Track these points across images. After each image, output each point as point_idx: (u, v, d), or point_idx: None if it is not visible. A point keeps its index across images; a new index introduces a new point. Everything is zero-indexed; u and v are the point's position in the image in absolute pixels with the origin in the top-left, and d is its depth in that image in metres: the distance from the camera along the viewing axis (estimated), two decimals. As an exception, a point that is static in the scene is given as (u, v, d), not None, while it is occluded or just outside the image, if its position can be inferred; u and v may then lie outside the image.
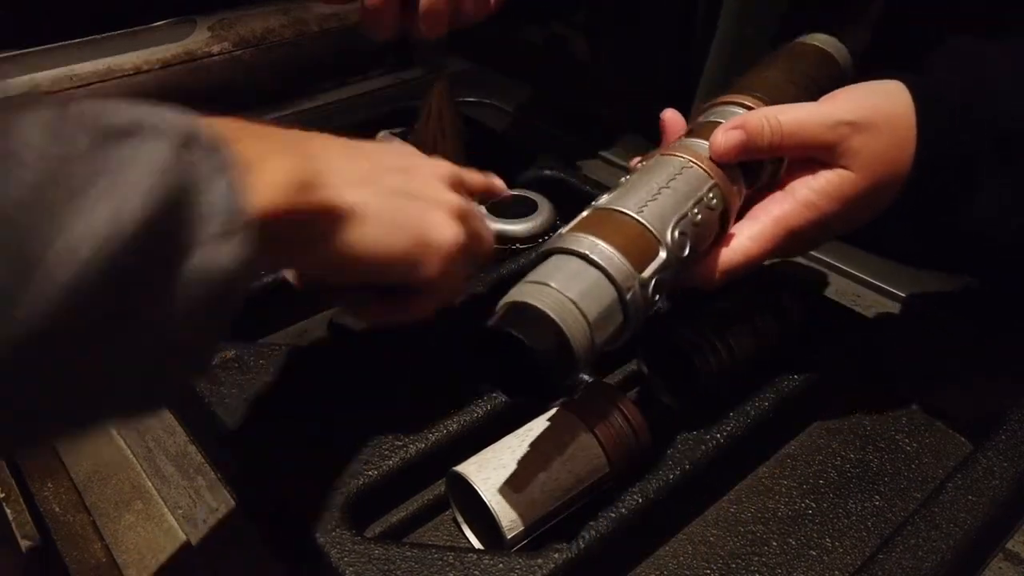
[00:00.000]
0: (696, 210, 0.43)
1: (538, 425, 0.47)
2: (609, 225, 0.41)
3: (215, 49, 0.95)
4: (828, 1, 0.62)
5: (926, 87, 0.47)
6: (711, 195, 0.44)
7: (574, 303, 0.37)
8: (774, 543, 0.48)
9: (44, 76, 0.85)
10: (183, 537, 0.48)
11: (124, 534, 0.48)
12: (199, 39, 0.95)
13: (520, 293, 0.38)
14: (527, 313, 0.36)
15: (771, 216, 0.46)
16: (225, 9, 1.00)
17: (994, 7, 0.50)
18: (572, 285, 0.37)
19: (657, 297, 0.40)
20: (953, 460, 0.53)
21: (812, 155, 0.46)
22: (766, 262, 0.48)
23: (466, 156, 0.75)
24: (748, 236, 0.46)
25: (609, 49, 0.97)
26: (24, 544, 0.45)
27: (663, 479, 0.46)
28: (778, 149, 0.46)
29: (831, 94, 0.48)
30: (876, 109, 0.46)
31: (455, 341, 0.61)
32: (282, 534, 0.47)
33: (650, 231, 0.41)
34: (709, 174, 0.45)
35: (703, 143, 0.46)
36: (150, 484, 0.51)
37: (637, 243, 0.40)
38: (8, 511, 0.47)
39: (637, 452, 0.47)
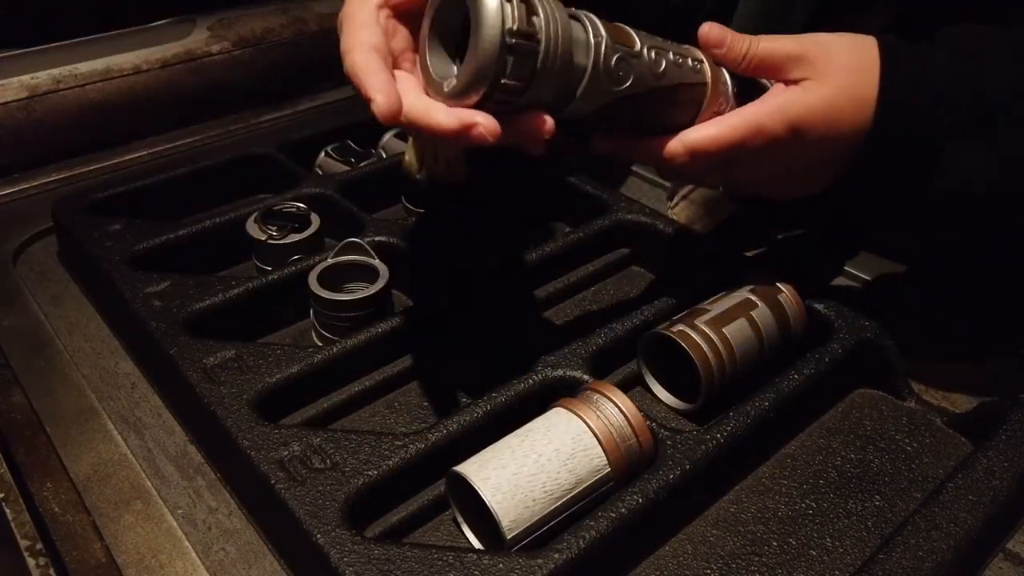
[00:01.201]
0: (678, 58, 0.48)
1: (538, 425, 0.47)
2: (603, 20, 0.46)
3: (215, 49, 0.95)
4: (837, 6, 0.62)
5: (895, 41, 0.50)
6: (696, 64, 0.49)
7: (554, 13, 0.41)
8: (774, 543, 0.48)
9: (44, 76, 0.85)
10: (183, 537, 0.48)
11: (124, 534, 0.48)
12: (199, 39, 0.95)
13: None
14: None
15: (742, 113, 0.49)
16: (225, 9, 1.00)
17: (1000, 12, 0.51)
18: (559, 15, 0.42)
19: (621, 74, 0.44)
20: (953, 460, 0.53)
21: (781, 70, 0.50)
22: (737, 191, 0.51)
23: (466, 157, 0.75)
24: (715, 123, 0.49)
25: None
26: (24, 544, 0.45)
27: (663, 479, 0.46)
28: (752, 59, 0.50)
29: None
30: (842, 37, 0.50)
31: (454, 341, 0.61)
32: (282, 534, 0.47)
33: (631, 33, 0.46)
34: (703, 58, 0.49)
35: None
36: (150, 484, 0.51)
37: (618, 31, 0.45)
38: (8, 511, 0.47)
39: (637, 452, 0.47)
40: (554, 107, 0.43)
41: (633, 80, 0.45)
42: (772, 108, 0.48)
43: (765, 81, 0.51)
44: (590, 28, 0.43)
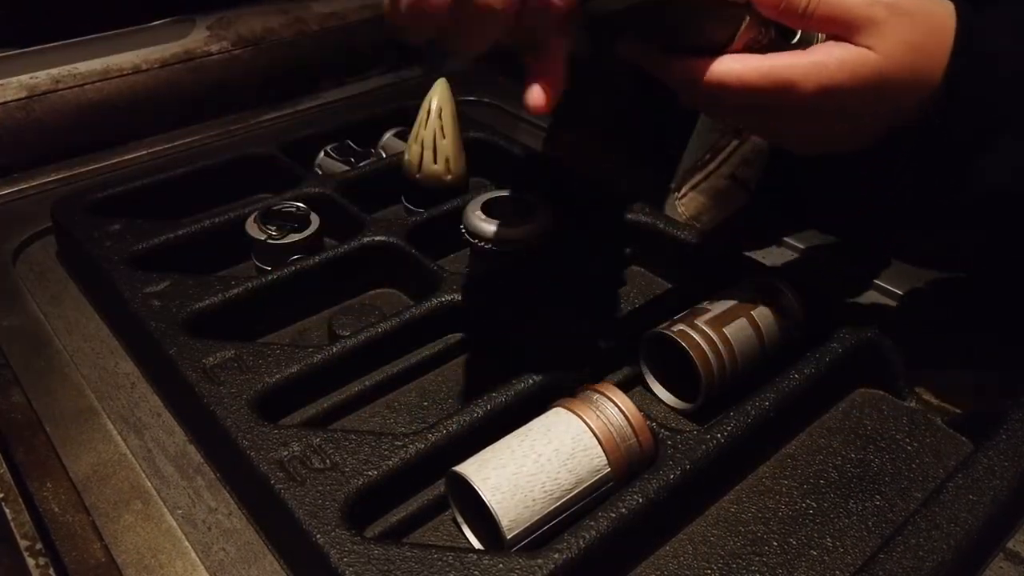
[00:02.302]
0: None
1: (538, 425, 0.47)
2: None
3: (214, 48, 0.95)
4: None
5: (973, 19, 0.46)
6: None
7: None
8: (775, 543, 0.48)
9: (43, 76, 0.85)
10: (183, 537, 0.48)
11: (124, 534, 0.48)
12: (198, 38, 0.95)
13: None
14: None
15: (779, 60, 0.45)
16: (225, 9, 1.00)
17: None
18: None
19: None
20: (953, 460, 0.53)
21: (845, 31, 0.45)
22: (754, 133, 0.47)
23: (466, 156, 0.75)
24: (746, 63, 0.45)
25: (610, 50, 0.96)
26: (23, 544, 0.45)
27: (663, 479, 0.46)
28: (813, 14, 0.45)
29: None
30: (923, 4, 0.45)
31: (455, 341, 0.61)
32: (282, 534, 0.47)
33: None
34: None
35: None
36: (149, 484, 0.51)
37: None
38: (7, 511, 0.47)
39: (637, 452, 0.47)
40: None
41: None
42: (807, 67, 0.44)
43: None
44: None
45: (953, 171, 0.49)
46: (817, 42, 0.47)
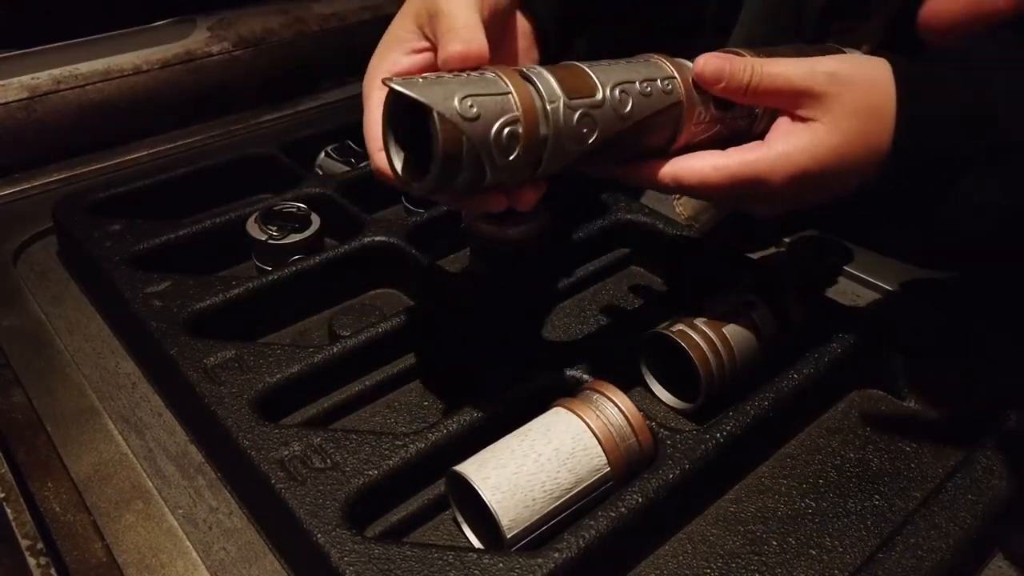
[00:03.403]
0: (647, 86, 0.44)
1: (538, 425, 0.47)
2: (560, 67, 0.43)
3: (215, 49, 0.95)
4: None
5: (910, 67, 0.47)
6: (667, 83, 0.45)
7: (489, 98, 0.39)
8: (774, 542, 0.48)
9: (45, 76, 0.85)
10: (183, 537, 0.48)
11: (124, 534, 0.48)
12: (199, 39, 0.95)
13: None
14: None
15: (742, 158, 0.46)
16: (225, 9, 1.00)
17: None
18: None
19: (585, 131, 0.41)
20: (953, 460, 0.53)
21: (788, 103, 0.46)
22: (724, 207, 0.47)
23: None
24: (712, 164, 0.46)
25: (610, 49, 0.96)
26: (24, 544, 0.45)
27: (663, 479, 0.46)
28: (755, 90, 0.46)
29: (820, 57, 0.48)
30: (857, 69, 0.46)
31: (454, 341, 0.61)
32: (283, 534, 0.47)
33: (591, 76, 0.43)
34: (674, 73, 0.45)
35: (689, 64, 0.47)
36: (150, 484, 0.51)
37: (575, 80, 0.42)
38: (8, 511, 0.47)
39: (637, 452, 0.47)
40: (520, 180, 0.42)
41: (599, 132, 0.42)
42: (774, 160, 0.45)
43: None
44: (544, 90, 0.40)
45: (914, 213, 0.50)
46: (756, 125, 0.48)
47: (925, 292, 0.66)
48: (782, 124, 0.47)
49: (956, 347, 0.61)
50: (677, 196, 0.73)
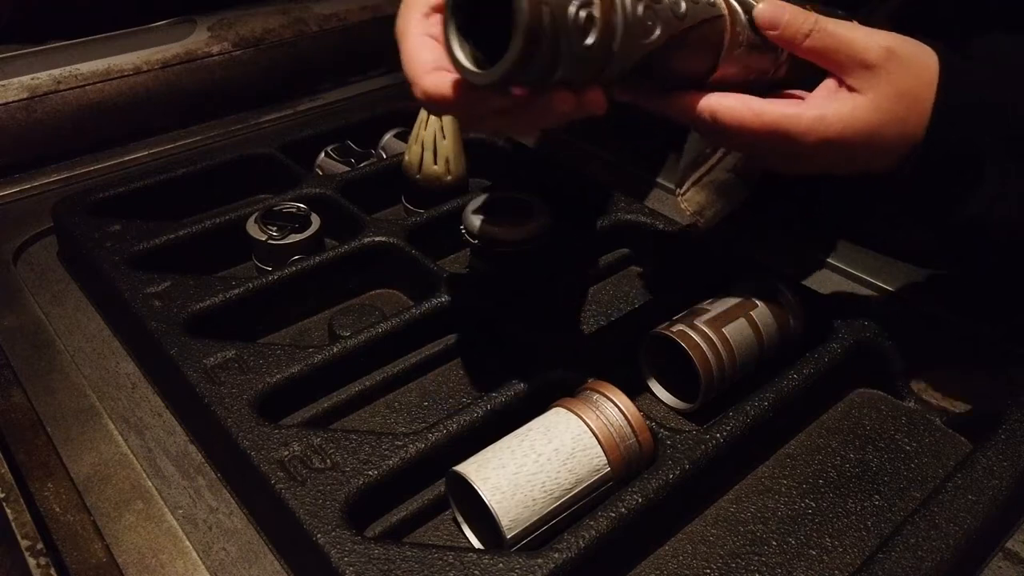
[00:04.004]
0: None
1: (538, 425, 0.47)
2: None
3: (215, 49, 0.95)
4: None
5: (955, 61, 0.47)
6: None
7: None
8: (774, 542, 0.48)
9: (45, 76, 0.85)
10: (183, 537, 0.48)
11: (124, 534, 0.48)
12: (199, 39, 0.95)
13: None
14: None
15: (782, 110, 0.46)
16: (225, 9, 1.00)
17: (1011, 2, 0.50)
18: None
19: (650, 24, 0.41)
20: (953, 460, 0.53)
21: (838, 67, 0.46)
22: (752, 159, 0.49)
23: (466, 156, 0.75)
24: (750, 107, 0.46)
25: None
26: (24, 544, 0.45)
27: (663, 479, 0.46)
28: (811, 45, 0.46)
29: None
30: (912, 51, 0.46)
31: (454, 342, 0.61)
32: (283, 534, 0.47)
33: None
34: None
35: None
36: (150, 484, 0.51)
37: None
38: (8, 511, 0.47)
39: (637, 452, 0.47)
40: (588, 77, 0.41)
41: (661, 28, 0.42)
42: (811, 121, 0.45)
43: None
44: None
45: (935, 204, 0.50)
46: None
47: (925, 292, 0.66)
48: (827, 86, 0.47)
49: (956, 347, 0.61)
50: (683, 191, 0.72)
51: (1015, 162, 0.47)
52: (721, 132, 0.47)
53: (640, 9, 0.41)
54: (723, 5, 0.46)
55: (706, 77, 0.47)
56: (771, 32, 0.46)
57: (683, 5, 0.43)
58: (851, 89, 0.46)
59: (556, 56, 0.38)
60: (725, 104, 0.46)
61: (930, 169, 0.47)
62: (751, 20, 0.47)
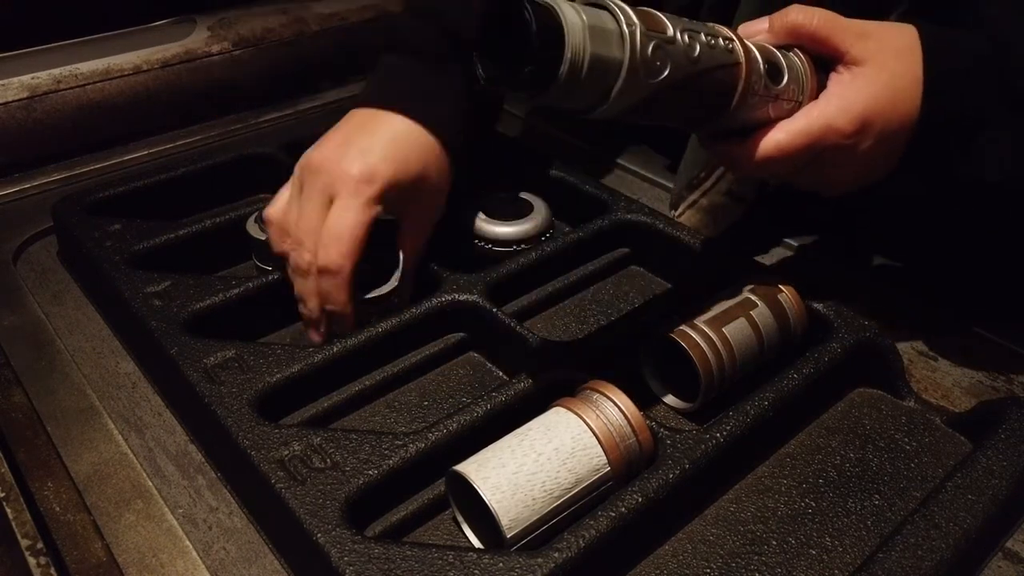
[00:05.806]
0: (710, 39, 0.45)
1: (538, 424, 0.47)
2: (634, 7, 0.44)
3: (215, 49, 0.95)
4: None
5: (932, 28, 0.50)
6: (728, 43, 0.46)
7: (579, 12, 0.40)
8: (774, 542, 0.48)
9: (45, 76, 0.85)
10: (183, 536, 0.48)
11: (124, 533, 0.48)
12: (199, 39, 0.95)
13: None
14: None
15: (807, 114, 0.49)
16: (225, 9, 1.00)
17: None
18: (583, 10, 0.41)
19: (659, 64, 0.42)
20: (952, 459, 0.53)
21: (844, 40, 0.49)
22: (801, 175, 0.51)
23: (469, 155, 0.75)
24: (783, 129, 0.49)
25: None
26: (24, 543, 0.45)
27: (663, 479, 0.46)
28: (821, 28, 0.49)
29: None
30: (884, 23, 0.51)
31: (454, 341, 0.61)
32: (283, 533, 0.47)
33: (662, 17, 0.44)
34: (733, 37, 0.47)
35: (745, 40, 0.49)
36: (150, 484, 0.51)
37: (651, 16, 0.43)
38: (8, 510, 0.47)
39: (637, 451, 0.47)
40: (589, 107, 0.42)
41: (671, 69, 0.43)
42: (837, 106, 0.48)
43: (792, 55, 0.50)
44: (622, 17, 0.41)
45: (941, 167, 0.52)
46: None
47: (924, 292, 0.66)
48: (833, 79, 0.50)
49: (956, 347, 0.61)
50: (679, 213, 0.73)
51: (1012, 111, 0.49)
52: (771, 165, 0.50)
53: (650, 48, 0.42)
54: (741, 52, 0.47)
55: (720, 115, 0.48)
56: (786, 18, 0.50)
57: (697, 48, 0.44)
58: (855, 63, 0.49)
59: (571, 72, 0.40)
60: (760, 143, 0.49)
61: (932, 127, 0.50)
62: (769, 70, 0.48)
